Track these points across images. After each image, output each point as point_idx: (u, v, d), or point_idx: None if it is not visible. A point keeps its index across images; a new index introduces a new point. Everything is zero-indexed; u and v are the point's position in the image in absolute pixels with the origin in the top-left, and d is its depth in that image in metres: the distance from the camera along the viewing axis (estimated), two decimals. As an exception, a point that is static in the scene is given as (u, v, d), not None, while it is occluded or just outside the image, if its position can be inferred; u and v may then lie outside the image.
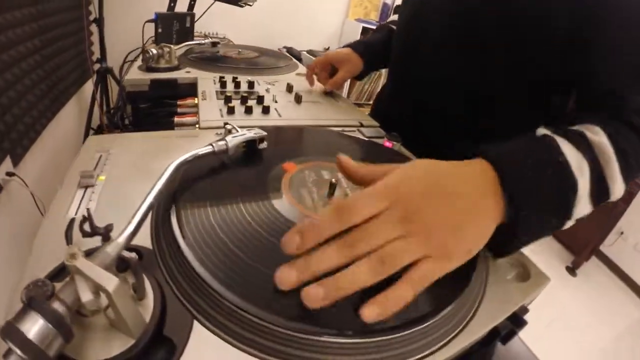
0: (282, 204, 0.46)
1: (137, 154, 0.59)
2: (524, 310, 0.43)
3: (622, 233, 2.89)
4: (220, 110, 0.78)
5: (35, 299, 0.25)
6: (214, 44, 1.31)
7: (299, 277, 0.33)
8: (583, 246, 2.85)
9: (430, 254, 0.34)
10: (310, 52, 3.23)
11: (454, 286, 0.37)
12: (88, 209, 0.35)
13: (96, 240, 0.33)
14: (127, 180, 0.53)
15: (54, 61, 1.90)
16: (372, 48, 1.01)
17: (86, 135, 2.45)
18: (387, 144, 0.74)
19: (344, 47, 1.02)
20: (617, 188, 0.47)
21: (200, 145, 0.48)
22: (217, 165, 0.52)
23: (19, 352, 0.23)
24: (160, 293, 0.34)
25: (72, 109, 2.32)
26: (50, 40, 1.84)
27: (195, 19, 1.52)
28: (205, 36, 1.46)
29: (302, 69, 1.22)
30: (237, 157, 0.55)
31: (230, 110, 0.76)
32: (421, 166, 0.41)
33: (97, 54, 2.50)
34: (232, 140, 0.51)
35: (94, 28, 2.43)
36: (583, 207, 0.45)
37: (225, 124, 0.56)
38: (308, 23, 3.41)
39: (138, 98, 0.99)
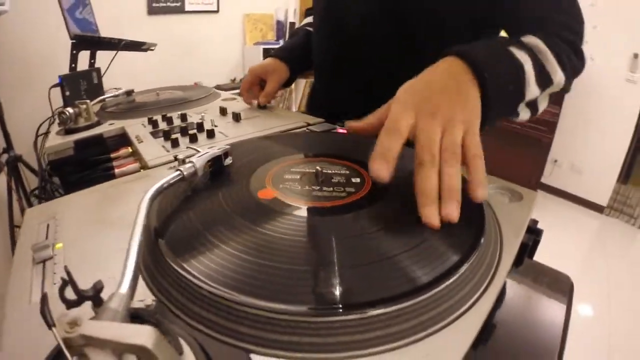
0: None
1: (90, 210, 0.52)
2: (535, 222, 0.50)
3: (555, 161, 3.13)
4: (164, 146, 0.72)
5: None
6: (129, 93, 1.23)
7: (435, 206, 0.40)
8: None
9: (465, 128, 0.45)
10: (218, 87, 3.18)
11: (475, 225, 0.41)
12: (67, 269, 0.28)
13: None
14: (89, 239, 0.46)
15: None
16: (294, 52, 1.01)
17: (12, 236, 2.24)
18: (341, 130, 0.72)
19: (267, 57, 1.00)
20: (558, 75, 0.60)
21: (155, 183, 0.42)
22: (190, 193, 0.47)
23: None
24: (197, 343, 0.28)
25: None
26: None
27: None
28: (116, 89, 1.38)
29: (225, 94, 1.17)
30: (206, 180, 0.49)
31: (174, 143, 0.70)
32: (410, 83, 0.51)
33: (1, 144, 2.30)
34: (199, 160, 0.46)
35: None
36: (533, 89, 0.57)
37: (175, 156, 0.51)
38: (208, 59, 3.39)
39: (64, 165, 0.90)
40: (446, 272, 0.33)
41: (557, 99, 2.79)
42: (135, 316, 0.26)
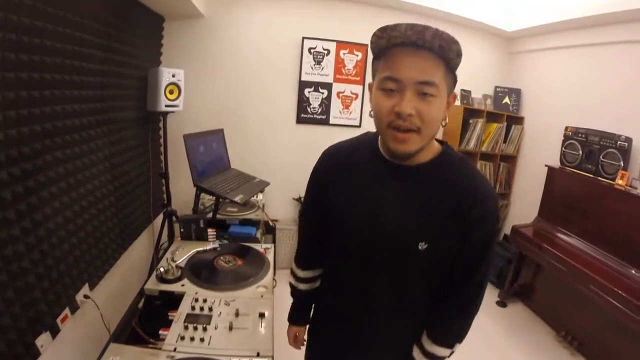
0: None
1: None
2: None
3: None
4: (179, 334, 1.44)
5: None
6: (215, 248, 2.00)
7: None
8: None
9: None
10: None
11: None
12: None
13: None
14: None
15: (126, 210, 2.78)
16: (305, 318, 1.55)
17: (152, 263, 3.24)
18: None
19: (291, 326, 1.59)
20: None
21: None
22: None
23: None
24: None
25: (143, 241, 3.16)
26: (122, 194, 2.71)
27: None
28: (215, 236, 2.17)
29: (266, 280, 1.87)
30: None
31: (182, 338, 1.42)
32: None
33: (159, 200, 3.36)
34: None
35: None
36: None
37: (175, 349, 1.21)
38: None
39: (154, 299, 1.68)
40: None
41: None
42: None
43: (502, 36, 4.45)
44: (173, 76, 2.97)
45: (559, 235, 3.38)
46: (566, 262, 3.06)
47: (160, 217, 3.32)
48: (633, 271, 2.71)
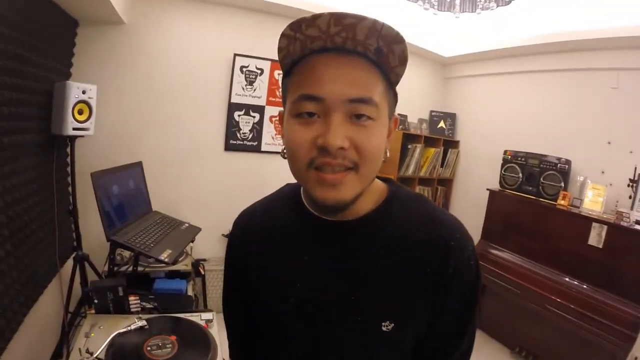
0: None
1: None
2: None
3: (636, 358, 2.80)
4: None
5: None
6: (142, 327, 1.57)
7: None
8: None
9: None
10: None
11: None
12: None
13: None
14: None
15: (27, 258, 2.22)
16: None
17: (64, 321, 2.68)
18: None
19: None
20: None
21: None
22: None
23: None
24: None
25: (51, 293, 2.61)
26: (22, 240, 2.15)
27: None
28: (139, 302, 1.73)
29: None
30: None
31: None
32: None
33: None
34: None
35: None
36: None
37: None
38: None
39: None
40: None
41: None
42: None
43: (438, 61, 4.46)
44: (83, 92, 2.46)
45: (503, 255, 3.44)
46: (513, 281, 3.15)
47: (71, 262, 2.77)
48: (576, 282, 2.89)
